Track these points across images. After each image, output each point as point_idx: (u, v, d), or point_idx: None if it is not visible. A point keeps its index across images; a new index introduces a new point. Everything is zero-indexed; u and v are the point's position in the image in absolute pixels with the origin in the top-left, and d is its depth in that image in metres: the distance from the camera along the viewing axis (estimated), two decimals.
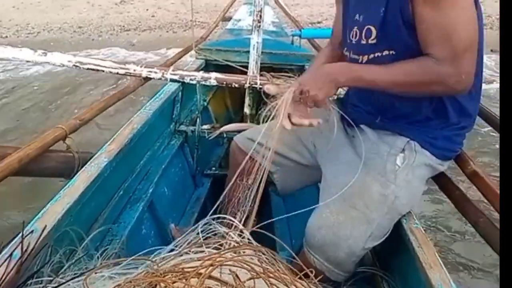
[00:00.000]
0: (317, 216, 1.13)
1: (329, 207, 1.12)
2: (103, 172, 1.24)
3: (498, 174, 2.82)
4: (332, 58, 1.36)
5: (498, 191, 1.13)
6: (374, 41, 1.10)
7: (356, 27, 1.16)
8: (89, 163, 1.25)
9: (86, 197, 1.15)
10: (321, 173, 1.29)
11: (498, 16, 7.52)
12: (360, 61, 1.16)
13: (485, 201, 1.15)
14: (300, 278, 0.80)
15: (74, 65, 2.06)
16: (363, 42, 1.13)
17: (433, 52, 0.99)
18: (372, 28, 1.10)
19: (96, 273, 0.81)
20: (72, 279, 0.80)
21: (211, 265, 0.69)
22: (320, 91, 1.08)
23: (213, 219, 1.03)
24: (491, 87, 1.87)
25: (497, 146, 3.17)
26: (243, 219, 1.19)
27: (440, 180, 1.27)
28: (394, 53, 1.08)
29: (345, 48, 1.25)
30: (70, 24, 8.06)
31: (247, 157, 1.25)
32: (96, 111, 1.63)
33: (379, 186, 1.11)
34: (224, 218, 1.06)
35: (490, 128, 1.56)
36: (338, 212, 1.11)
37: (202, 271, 0.68)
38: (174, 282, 0.66)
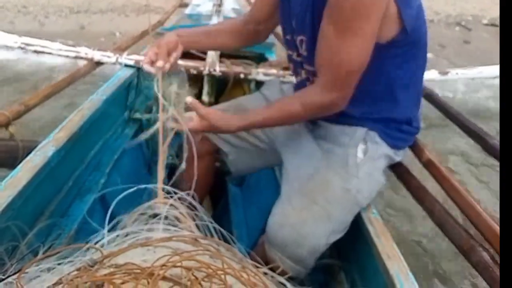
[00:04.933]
0: (279, 213, 1.09)
1: (291, 203, 1.09)
2: (49, 162, 1.15)
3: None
4: (239, 31, 1.33)
5: (452, 179, 1.17)
6: (306, 53, 1.11)
7: (292, 34, 1.15)
8: (34, 152, 1.16)
9: (30, 189, 1.06)
10: (277, 157, 1.27)
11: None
12: (305, 66, 1.15)
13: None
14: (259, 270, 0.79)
15: (19, 47, 1.94)
16: (300, 51, 1.13)
17: (320, 75, 1.02)
18: (303, 39, 1.09)
19: (36, 266, 0.75)
20: (6, 278, 0.74)
21: (164, 265, 0.65)
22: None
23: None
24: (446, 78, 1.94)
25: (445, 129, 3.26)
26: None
27: (397, 169, 1.29)
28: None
29: (286, 47, 1.23)
30: (14, 3, 7.55)
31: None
32: (43, 96, 1.53)
33: (341, 180, 1.09)
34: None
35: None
36: (301, 209, 1.07)
37: (155, 271, 0.64)
38: (123, 283, 0.61)
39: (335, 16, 0.94)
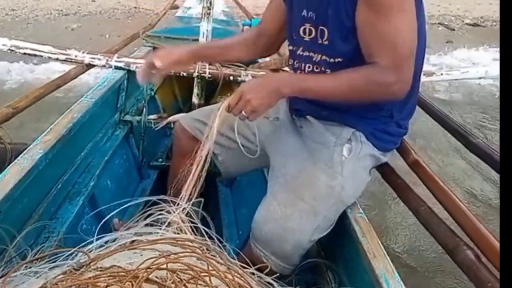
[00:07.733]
0: (264, 209, 1.11)
1: (277, 199, 1.10)
2: (37, 165, 1.15)
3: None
4: (254, 44, 1.35)
5: (438, 179, 1.18)
6: (327, 42, 1.10)
7: (309, 24, 1.13)
8: (21, 155, 1.16)
9: (18, 192, 1.06)
10: (266, 158, 1.28)
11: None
12: (315, 59, 1.14)
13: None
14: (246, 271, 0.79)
15: (9, 49, 1.93)
16: (319, 41, 1.11)
17: (377, 61, 1.00)
18: (325, 30, 1.09)
19: (23, 270, 0.75)
20: None
21: (149, 267, 0.65)
22: (262, 100, 1.03)
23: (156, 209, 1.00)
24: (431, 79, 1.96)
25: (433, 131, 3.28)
26: (188, 205, 1.13)
27: (383, 169, 1.30)
28: (341, 60, 1.08)
29: (290, 43, 1.22)
30: (2, 6, 7.51)
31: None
32: (32, 99, 1.52)
33: (326, 177, 1.11)
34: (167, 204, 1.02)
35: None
36: (286, 204, 1.09)
37: (139, 273, 0.64)
38: (107, 286, 0.62)
39: (376, 0, 0.95)
